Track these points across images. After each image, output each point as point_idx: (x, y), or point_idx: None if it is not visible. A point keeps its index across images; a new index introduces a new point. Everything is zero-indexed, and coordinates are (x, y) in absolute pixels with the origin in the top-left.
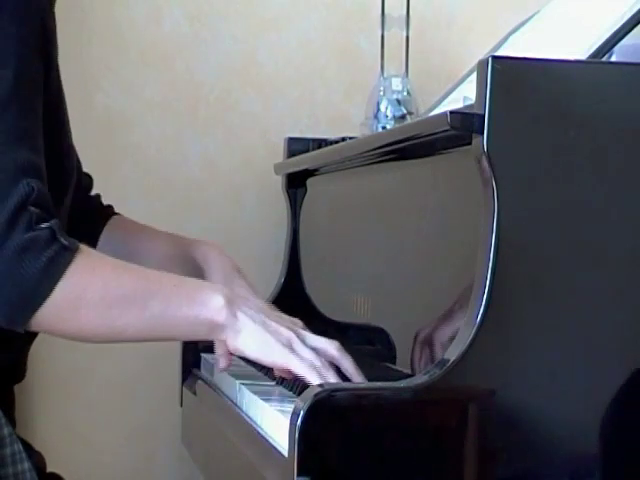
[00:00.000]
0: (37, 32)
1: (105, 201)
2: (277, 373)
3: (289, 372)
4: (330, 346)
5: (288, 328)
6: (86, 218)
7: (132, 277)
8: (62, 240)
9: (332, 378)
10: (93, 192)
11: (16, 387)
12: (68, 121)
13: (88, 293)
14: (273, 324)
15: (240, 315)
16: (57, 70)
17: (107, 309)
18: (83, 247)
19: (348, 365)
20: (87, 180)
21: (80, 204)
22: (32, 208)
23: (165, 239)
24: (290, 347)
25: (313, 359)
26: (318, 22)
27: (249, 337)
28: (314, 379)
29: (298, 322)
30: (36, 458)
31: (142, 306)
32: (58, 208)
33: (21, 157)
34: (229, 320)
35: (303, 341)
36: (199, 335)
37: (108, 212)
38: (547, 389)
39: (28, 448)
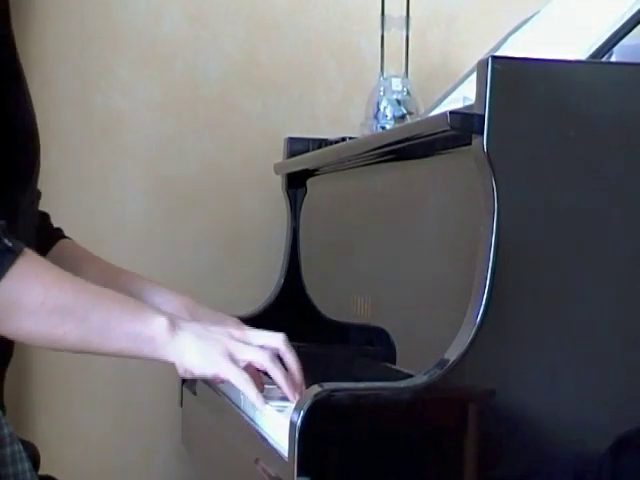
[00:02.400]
0: None
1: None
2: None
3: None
4: (275, 340)
5: (230, 336)
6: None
7: (74, 287)
8: (6, 241)
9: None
10: (43, 208)
11: (15, 387)
12: (16, 96)
13: (27, 297)
14: (215, 335)
15: (181, 333)
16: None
17: (46, 316)
18: (27, 251)
19: (290, 358)
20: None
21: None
22: None
23: (107, 273)
24: (232, 358)
25: (255, 358)
26: (318, 22)
27: (192, 354)
28: (248, 391)
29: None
30: (29, 450)
31: (82, 317)
32: (24, 189)
33: None
34: (170, 340)
35: (248, 342)
36: (143, 353)
37: (57, 235)
38: (547, 389)
39: (20, 441)
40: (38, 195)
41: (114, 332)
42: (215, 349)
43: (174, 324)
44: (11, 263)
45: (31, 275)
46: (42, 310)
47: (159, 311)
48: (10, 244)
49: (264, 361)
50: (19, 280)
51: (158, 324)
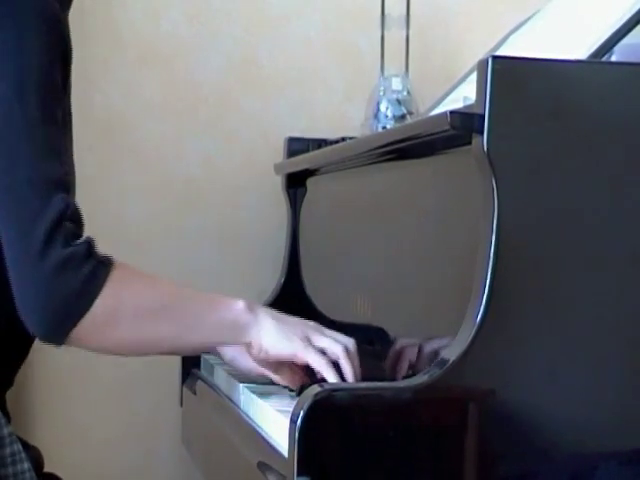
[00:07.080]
0: (57, 42)
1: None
2: (295, 368)
3: (305, 366)
4: (346, 340)
5: (305, 325)
6: None
7: (163, 289)
8: (98, 255)
9: (348, 372)
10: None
11: (16, 387)
12: (66, 120)
13: (124, 306)
14: (291, 320)
15: (261, 314)
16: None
17: (142, 321)
18: (116, 261)
19: (355, 365)
20: None
21: None
22: (67, 224)
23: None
24: (308, 340)
25: (330, 347)
26: (318, 22)
27: (270, 333)
28: (329, 373)
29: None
30: (33, 453)
31: (173, 316)
32: None
33: (52, 172)
34: (251, 320)
35: (322, 334)
36: (226, 339)
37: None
38: (547, 389)
39: (24, 445)
40: None
41: (203, 324)
42: (293, 331)
43: (251, 306)
44: (106, 276)
45: (124, 285)
46: (138, 316)
47: (234, 296)
48: (102, 258)
49: (338, 351)
50: (114, 291)
51: (238, 307)
